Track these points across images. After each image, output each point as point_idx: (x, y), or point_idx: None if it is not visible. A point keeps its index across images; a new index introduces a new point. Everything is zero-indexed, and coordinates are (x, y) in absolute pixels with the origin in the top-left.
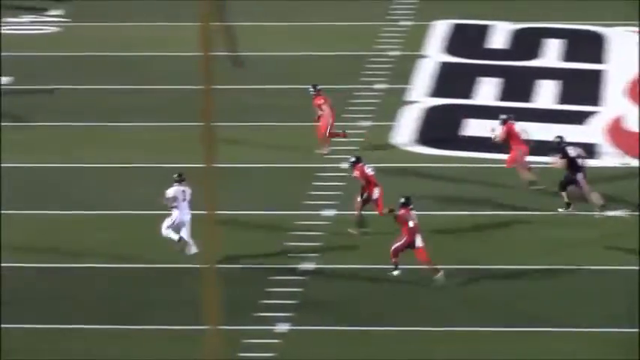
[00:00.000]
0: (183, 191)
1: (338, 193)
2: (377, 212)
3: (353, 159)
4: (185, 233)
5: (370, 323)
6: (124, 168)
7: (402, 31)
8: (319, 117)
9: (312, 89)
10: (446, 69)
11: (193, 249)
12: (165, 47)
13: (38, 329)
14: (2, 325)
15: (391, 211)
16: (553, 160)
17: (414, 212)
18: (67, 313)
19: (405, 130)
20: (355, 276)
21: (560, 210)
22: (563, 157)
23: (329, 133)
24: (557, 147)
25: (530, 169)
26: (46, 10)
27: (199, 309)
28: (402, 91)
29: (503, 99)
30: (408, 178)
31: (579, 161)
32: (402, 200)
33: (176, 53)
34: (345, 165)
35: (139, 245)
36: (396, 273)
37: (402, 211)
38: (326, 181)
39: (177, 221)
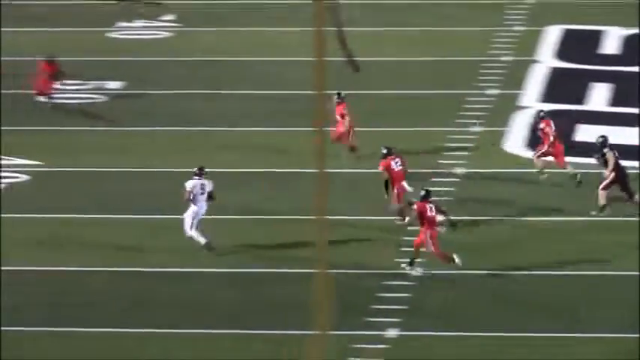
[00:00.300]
0: (202, 185)
1: (449, 198)
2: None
3: (384, 150)
4: (194, 230)
5: (480, 328)
6: (233, 172)
7: (515, 36)
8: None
9: (337, 98)
10: (558, 74)
11: (202, 239)
12: (278, 52)
13: (167, 333)
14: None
15: (410, 204)
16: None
17: (431, 205)
18: (174, 316)
19: (516, 136)
20: (465, 281)
21: (592, 213)
22: (608, 157)
23: (349, 143)
24: (599, 147)
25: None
26: (158, 15)
27: (309, 313)
28: (514, 96)
29: (614, 104)
30: (518, 183)
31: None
32: (422, 193)
33: (288, 58)
34: (458, 170)
35: (251, 248)
36: (412, 271)
37: (420, 204)
38: (438, 186)
39: (195, 216)
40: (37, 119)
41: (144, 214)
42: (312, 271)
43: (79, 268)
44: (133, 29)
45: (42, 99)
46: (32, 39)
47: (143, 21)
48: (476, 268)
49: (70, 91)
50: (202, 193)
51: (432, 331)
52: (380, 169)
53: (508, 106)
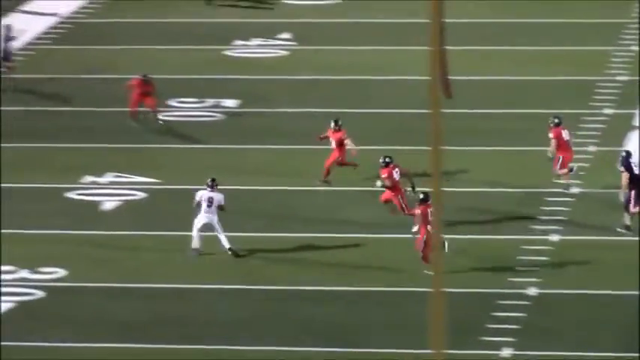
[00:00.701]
0: (210, 198)
1: (564, 218)
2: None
3: (387, 159)
4: (196, 231)
5: (593, 349)
6: (351, 191)
7: (631, 56)
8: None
9: (334, 125)
10: None
11: (195, 243)
12: (393, 70)
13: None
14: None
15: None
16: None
17: (432, 209)
18: (292, 334)
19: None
20: (579, 301)
21: (618, 230)
22: (627, 171)
23: (339, 163)
24: (623, 161)
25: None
26: (275, 33)
27: (423, 332)
28: (630, 116)
29: None
30: None
31: None
32: (421, 196)
33: (403, 77)
34: (574, 190)
35: (365, 267)
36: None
37: (420, 208)
38: (553, 206)
39: (198, 224)
40: (150, 136)
41: (261, 232)
42: (427, 290)
43: (189, 286)
44: (250, 47)
45: (133, 121)
46: (150, 56)
47: (260, 39)
48: (591, 288)
49: (187, 109)
50: (209, 205)
51: (546, 351)
52: (384, 176)
53: (623, 125)
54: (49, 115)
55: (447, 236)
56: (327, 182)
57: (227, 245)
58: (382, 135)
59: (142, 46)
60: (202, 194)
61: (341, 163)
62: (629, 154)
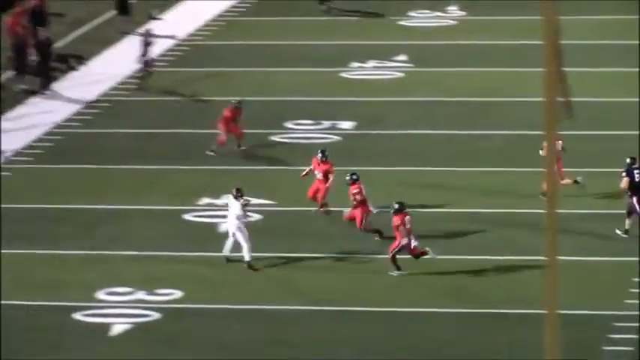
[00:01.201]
0: (233, 206)
1: None
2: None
3: (354, 176)
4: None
5: None
6: (456, 213)
7: None
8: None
9: (321, 156)
10: None
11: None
12: (508, 92)
13: None
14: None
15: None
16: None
17: (408, 217)
18: (397, 356)
19: None
20: None
21: (617, 231)
22: (627, 177)
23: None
24: (627, 168)
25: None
26: (391, 56)
27: (537, 355)
28: None
29: None
30: None
31: None
32: (396, 206)
33: (516, 99)
34: None
35: (474, 289)
36: (395, 274)
37: (395, 218)
38: None
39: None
40: (266, 158)
41: (370, 253)
42: (540, 312)
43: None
44: (366, 69)
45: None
46: (265, 78)
47: (376, 61)
48: None
49: (303, 131)
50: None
51: None
52: (354, 192)
53: None
54: (164, 137)
55: (566, 258)
56: (327, 211)
57: (246, 257)
58: (496, 156)
59: (258, 69)
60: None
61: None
62: (633, 161)
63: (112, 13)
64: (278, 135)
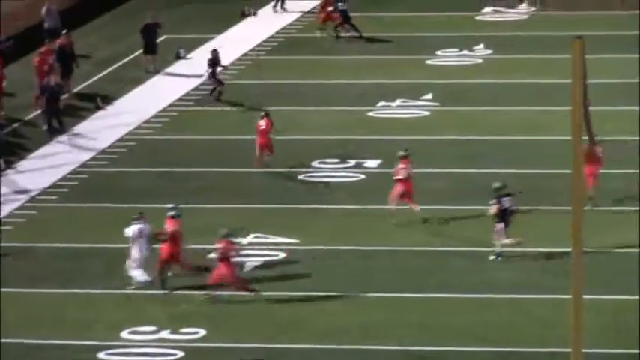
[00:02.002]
0: (140, 229)
1: None
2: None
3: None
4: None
5: None
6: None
7: None
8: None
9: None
10: None
11: (140, 276)
12: (535, 131)
13: None
14: None
15: None
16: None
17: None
18: None
19: None
20: None
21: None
22: (497, 204)
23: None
24: (495, 194)
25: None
26: (417, 94)
27: None
28: None
29: None
30: None
31: (508, 213)
32: (225, 232)
33: (543, 137)
34: None
35: (500, 328)
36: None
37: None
38: None
39: (138, 257)
40: (291, 196)
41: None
42: (567, 350)
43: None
44: (392, 108)
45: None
46: (292, 117)
47: (401, 100)
48: None
49: (330, 170)
50: (141, 237)
51: None
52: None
53: None
54: (188, 175)
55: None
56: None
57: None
58: (522, 193)
59: (285, 107)
60: (133, 229)
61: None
62: (502, 187)
63: (139, 52)
64: (304, 174)
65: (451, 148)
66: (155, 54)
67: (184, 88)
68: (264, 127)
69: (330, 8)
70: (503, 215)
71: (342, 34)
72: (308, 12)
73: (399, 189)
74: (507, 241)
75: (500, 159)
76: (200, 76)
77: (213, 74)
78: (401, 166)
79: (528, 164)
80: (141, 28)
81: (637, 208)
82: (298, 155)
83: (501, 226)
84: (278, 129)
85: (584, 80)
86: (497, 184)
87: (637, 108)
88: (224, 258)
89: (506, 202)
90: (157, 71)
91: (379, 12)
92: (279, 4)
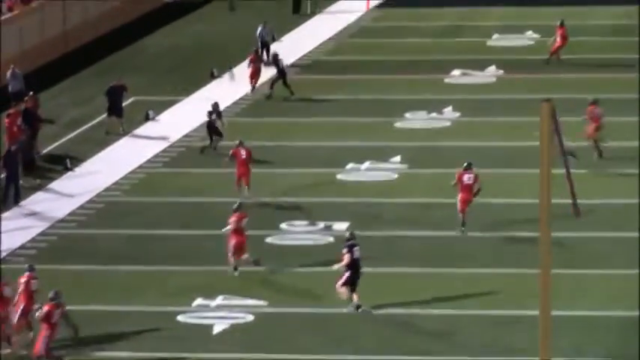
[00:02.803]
0: None
1: None
2: None
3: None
4: None
5: None
6: (456, 315)
7: None
8: None
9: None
10: None
11: None
12: (502, 194)
13: None
14: None
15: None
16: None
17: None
18: None
19: None
20: None
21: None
22: (348, 253)
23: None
24: (346, 242)
25: None
26: (386, 157)
27: None
28: None
29: None
30: None
31: (359, 264)
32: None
33: (511, 200)
34: None
35: None
36: None
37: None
38: None
39: None
40: (259, 259)
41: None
42: None
43: None
44: (361, 170)
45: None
46: (263, 179)
47: (370, 162)
48: None
49: (299, 232)
50: None
51: None
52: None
53: None
54: (158, 238)
55: None
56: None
57: None
58: (491, 257)
59: (254, 170)
60: None
61: None
62: (352, 235)
63: (104, 115)
64: (272, 236)
65: (420, 211)
66: (122, 117)
67: (153, 150)
68: (244, 157)
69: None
70: (354, 265)
71: (271, 91)
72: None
73: None
74: (343, 290)
75: (470, 222)
76: (167, 138)
77: (210, 125)
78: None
79: (497, 227)
80: (106, 90)
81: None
82: (266, 217)
83: (347, 275)
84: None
85: (552, 141)
86: (347, 234)
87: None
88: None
89: (357, 251)
90: (125, 133)
91: (348, 74)
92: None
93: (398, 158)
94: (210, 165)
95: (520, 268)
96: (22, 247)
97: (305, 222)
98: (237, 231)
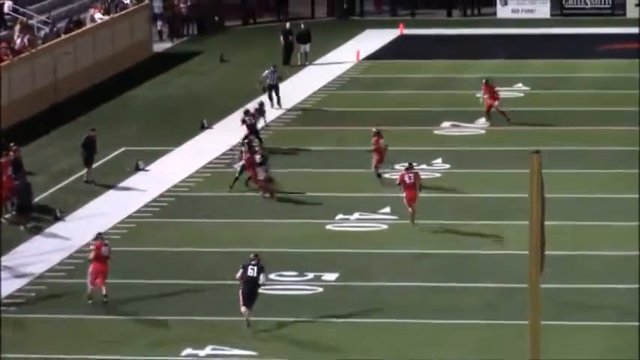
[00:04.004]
0: None
1: None
2: None
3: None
4: None
5: None
6: None
7: None
8: None
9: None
10: None
11: None
12: (493, 245)
13: None
14: None
15: None
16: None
17: None
18: None
19: None
20: None
21: None
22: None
23: None
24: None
25: None
26: (375, 208)
27: None
28: None
29: None
30: None
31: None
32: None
33: (499, 252)
34: None
35: None
36: None
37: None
38: None
39: None
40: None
41: None
42: None
43: None
44: (350, 221)
45: None
46: (251, 229)
47: (359, 213)
48: None
49: (288, 282)
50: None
51: None
52: None
53: None
54: (143, 287)
55: None
56: None
57: None
58: (479, 310)
59: (242, 220)
60: None
61: None
62: (255, 257)
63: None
64: (261, 287)
65: (411, 262)
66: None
67: (144, 200)
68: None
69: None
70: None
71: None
72: (266, 125)
73: None
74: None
75: (459, 273)
76: (157, 189)
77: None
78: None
79: (486, 279)
80: (82, 142)
81: None
82: None
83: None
84: (233, 240)
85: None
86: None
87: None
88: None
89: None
90: (94, 183)
91: (337, 126)
92: (277, 102)
93: (388, 209)
94: (200, 215)
95: (509, 320)
96: (10, 296)
97: (294, 272)
98: (98, 258)
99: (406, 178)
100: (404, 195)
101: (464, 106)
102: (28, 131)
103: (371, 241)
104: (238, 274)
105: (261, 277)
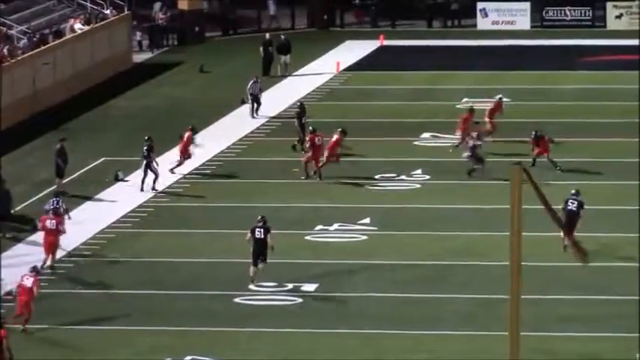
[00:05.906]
0: None
1: None
2: None
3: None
4: None
5: None
6: None
7: None
8: None
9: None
10: None
11: None
12: (469, 256)
13: None
14: None
15: None
16: None
17: None
18: None
19: None
20: None
21: None
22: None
23: None
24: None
25: None
26: (355, 219)
27: None
28: None
29: None
30: None
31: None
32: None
33: (480, 262)
34: None
35: None
36: None
37: None
38: None
39: None
40: (229, 320)
41: None
42: None
43: None
44: (330, 232)
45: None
46: (231, 240)
47: (339, 224)
48: None
49: (267, 293)
50: None
51: None
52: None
53: None
54: (127, 298)
55: None
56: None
57: None
58: (459, 320)
59: (223, 230)
60: None
61: None
62: None
63: (78, 173)
64: (240, 297)
65: (390, 273)
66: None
67: (122, 210)
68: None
69: None
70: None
71: None
72: (245, 136)
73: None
74: None
75: (439, 284)
76: (136, 198)
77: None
78: None
79: (465, 290)
80: (56, 151)
81: None
82: (235, 278)
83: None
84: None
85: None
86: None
87: None
88: None
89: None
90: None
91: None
92: (255, 110)
93: (367, 220)
94: (180, 226)
95: (489, 331)
96: None
97: (274, 283)
98: (49, 232)
99: (316, 140)
100: (309, 156)
101: (444, 117)
102: (8, 141)
103: (350, 252)
104: (247, 237)
105: (268, 238)
